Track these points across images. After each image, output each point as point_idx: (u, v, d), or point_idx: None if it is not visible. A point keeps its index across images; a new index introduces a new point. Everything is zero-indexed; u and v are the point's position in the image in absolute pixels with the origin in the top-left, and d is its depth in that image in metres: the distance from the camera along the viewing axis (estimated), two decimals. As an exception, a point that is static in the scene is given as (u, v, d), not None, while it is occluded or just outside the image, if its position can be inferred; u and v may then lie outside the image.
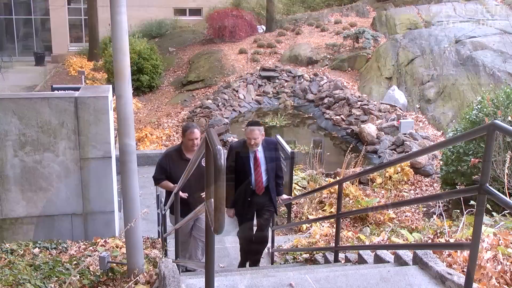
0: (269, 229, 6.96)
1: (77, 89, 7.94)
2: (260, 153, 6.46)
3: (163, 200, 7.71)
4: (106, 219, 6.82)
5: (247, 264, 6.78)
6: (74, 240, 6.36)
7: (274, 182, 6.67)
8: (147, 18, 29.88)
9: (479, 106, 8.98)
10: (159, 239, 7.13)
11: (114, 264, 4.72)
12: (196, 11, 32.20)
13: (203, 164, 5.38)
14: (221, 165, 2.30)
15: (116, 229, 6.98)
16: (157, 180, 6.45)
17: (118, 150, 4.32)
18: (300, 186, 10.80)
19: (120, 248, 5.71)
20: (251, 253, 6.76)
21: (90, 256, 5.32)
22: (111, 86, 7.17)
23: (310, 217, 9.25)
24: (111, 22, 4.02)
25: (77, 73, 23.26)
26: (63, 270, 4.77)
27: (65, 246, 5.88)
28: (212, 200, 2.41)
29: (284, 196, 6.91)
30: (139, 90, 21.91)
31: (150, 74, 22.34)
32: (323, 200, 9.81)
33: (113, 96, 6.80)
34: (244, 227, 6.65)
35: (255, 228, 6.77)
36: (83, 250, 5.75)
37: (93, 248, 5.84)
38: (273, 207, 6.65)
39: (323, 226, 8.10)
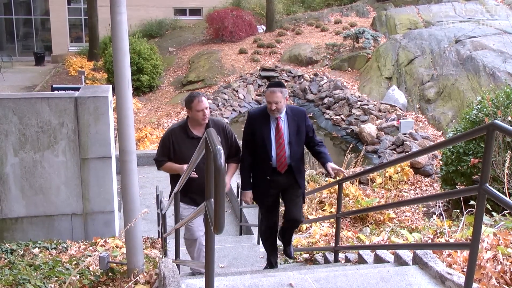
0: (302, 212, 5.67)
1: (77, 89, 7.95)
2: (284, 123, 5.37)
3: (163, 200, 7.71)
4: (106, 219, 6.82)
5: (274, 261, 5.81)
6: (74, 240, 6.38)
7: (314, 153, 5.53)
8: (147, 18, 29.90)
9: (479, 106, 8.98)
10: (159, 239, 7.13)
11: (114, 264, 4.72)
12: (196, 11, 32.21)
13: None
14: (221, 165, 2.30)
15: (116, 229, 6.98)
16: (159, 163, 5.52)
17: (118, 150, 4.32)
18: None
19: (120, 248, 5.72)
20: (285, 241, 5.77)
21: (90, 256, 5.33)
22: (111, 86, 7.17)
23: (310, 217, 9.25)
24: (111, 22, 4.02)
25: (77, 73, 23.27)
26: (63, 270, 4.77)
27: (65, 246, 5.88)
28: (212, 200, 2.41)
29: (332, 164, 5.30)
30: (139, 90, 21.92)
31: (150, 74, 22.35)
32: (323, 200, 9.81)
33: (113, 96, 6.81)
34: (267, 215, 5.61)
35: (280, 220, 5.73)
36: (83, 250, 5.75)
37: (93, 248, 5.84)
38: (300, 187, 5.45)
39: (323, 226, 8.10)
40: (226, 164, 5.47)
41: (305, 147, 5.58)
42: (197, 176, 5.13)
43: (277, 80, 5.55)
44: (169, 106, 21.09)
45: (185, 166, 4.87)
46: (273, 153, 5.32)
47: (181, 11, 32.07)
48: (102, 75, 23.49)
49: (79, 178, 6.60)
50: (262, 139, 5.32)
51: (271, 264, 5.83)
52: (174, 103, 21.36)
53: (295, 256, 6.85)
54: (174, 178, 5.40)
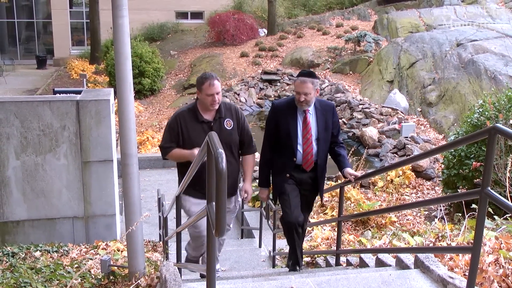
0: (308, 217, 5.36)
1: (78, 92, 7.95)
2: (312, 117, 4.96)
3: (164, 203, 7.72)
4: (107, 222, 6.82)
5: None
6: (75, 243, 6.37)
7: (333, 154, 5.16)
8: (149, 21, 29.97)
9: (481, 110, 8.97)
10: (161, 242, 7.13)
11: (115, 268, 4.72)
12: (197, 15, 32.28)
13: (226, 126, 4.93)
14: (222, 168, 2.30)
15: (117, 232, 6.98)
16: (166, 150, 5.01)
17: (120, 153, 4.32)
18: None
19: (122, 251, 5.71)
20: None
21: (91, 259, 5.33)
22: (112, 89, 7.18)
23: (312, 220, 9.24)
24: (113, 25, 4.03)
25: (79, 77, 23.31)
26: (64, 273, 4.77)
27: (66, 249, 5.88)
28: (214, 203, 2.41)
29: (350, 170, 4.97)
30: (140, 93, 21.95)
31: (152, 77, 22.38)
32: (324, 203, 9.81)
33: (114, 100, 6.81)
34: (289, 211, 4.98)
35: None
36: (84, 253, 5.75)
37: (94, 251, 5.84)
38: (317, 188, 5.13)
39: (324, 230, 8.09)
40: (242, 159, 5.22)
41: None
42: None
43: (307, 70, 4.97)
44: (170, 110, 21.11)
45: (196, 151, 4.48)
46: (299, 149, 4.92)
47: (182, 15, 32.16)
48: (104, 78, 23.53)
49: (81, 181, 6.60)
50: (287, 133, 4.90)
51: (295, 263, 5.24)
52: (176, 106, 21.37)
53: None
54: (182, 169, 4.92)
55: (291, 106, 4.94)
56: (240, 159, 5.22)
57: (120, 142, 4.26)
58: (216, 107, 4.86)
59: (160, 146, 5.09)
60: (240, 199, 5.33)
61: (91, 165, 6.59)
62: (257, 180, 5.47)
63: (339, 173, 5.41)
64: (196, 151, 4.42)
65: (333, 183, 10.88)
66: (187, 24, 31.63)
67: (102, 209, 6.76)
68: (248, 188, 5.15)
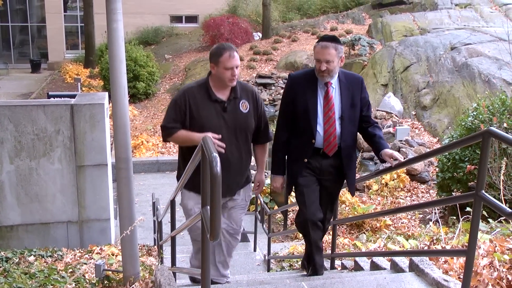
0: (332, 213, 4.58)
1: (73, 96, 7.94)
2: (335, 91, 4.21)
3: (159, 207, 7.70)
4: (101, 226, 6.80)
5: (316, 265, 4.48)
6: (69, 248, 6.35)
7: (367, 135, 4.33)
8: (143, 25, 29.96)
9: (475, 113, 9.01)
10: (155, 247, 7.11)
11: (110, 272, 4.71)
12: (192, 18, 32.29)
13: (242, 109, 4.24)
14: (216, 172, 2.30)
15: (111, 237, 6.96)
16: (169, 131, 4.20)
17: (114, 157, 4.31)
18: (297, 193, 10.78)
19: (116, 255, 5.70)
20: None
21: (85, 264, 5.31)
22: (107, 93, 7.17)
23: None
24: (107, 29, 4.02)
25: (73, 80, 23.25)
26: (59, 278, 4.75)
27: (61, 254, 5.86)
28: (208, 207, 2.41)
29: (389, 151, 4.07)
30: (135, 97, 21.93)
31: (146, 81, 22.36)
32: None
33: (109, 103, 6.80)
34: (303, 208, 4.29)
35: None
36: (78, 258, 5.73)
37: (88, 256, 5.82)
38: (342, 178, 4.35)
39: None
40: (254, 148, 4.58)
41: None
42: (223, 150, 3.99)
43: (329, 34, 4.24)
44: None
45: (209, 135, 3.73)
46: (319, 130, 4.17)
47: (177, 19, 32.16)
48: (98, 82, 23.49)
49: (75, 185, 6.59)
50: (305, 109, 4.17)
51: (314, 267, 4.46)
52: (171, 110, 21.33)
53: (291, 263, 6.84)
54: (186, 155, 4.15)
55: (310, 78, 4.21)
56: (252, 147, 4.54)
57: (114, 146, 4.25)
58: (235, 83, 4.19)
59: (163, 125, 4.26)
60: (250, 193, 4.61)
61: (85, 169, 6.58)
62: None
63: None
64: (209, 135, 3.68)
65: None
66: (181, 28, 31.64)
67: (96, 213, 6.74)
68: (262, 179, 4.61)
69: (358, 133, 4.36)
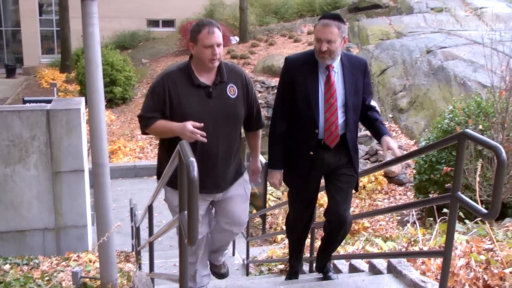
0: (350, 207, 4.06)
1: (49, 101, 7.86)
2: (337, 76, 3.82)
3: (136, 213, 7.64)
4: (79, 233, 6.74)
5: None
6: (46, 256, 6.27)
7: (366, 121, 4.00)
8: (120, 29, 29.76)
9: (451, 115, 9.10)
10: (133, 253, 7.06)
11: (87, 279, 4.66)
12: (169, 23, 32.18)
13: (230, 93, 3.75)
14: (193, 177, 2.28)
15: (89, 243, 6.89)
16: (147, 121, 3.75)
17: (91, 163, 4.27)
18: (275, 197, 10.80)
19: (94, 262, 5.65)
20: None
21: (62, 271, 5.25)
22: (83, 98, 7.11)
23: (285, 228, 9.25)
24: (83, 33, 3.99)
25: (49, 85, 23.02)
26: (35, 287, 4.69)
27: (37, 262, 5.79)
28: (186, 212, 2.39)
29: (390, 142, 3.77)
30: (112, 102, 21.76)
31: (123, 86, 22.21)
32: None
33: (85, 109, 6.74)
34: (298, 207, 4.13)
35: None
36: (55, 266, 5.67)
37: (65, 263, 5.76)
38: (354, 170, 3.94)
39: (298, 237, 8.09)
40: (246, 134, 4.21)
41: None
42: (206, 139, 3.53)
43: (331, 12, 4.02)
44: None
45: (189, 124, 3.48)
46: (320, 118, 3.79)
47: (154, 23, 32.03)
48: (75, 87, 23.27)
49: (52, 192, 6.51)
50: (305, 96, 3.80)
51: (293, 272, 4.46)
52: (148, 115, 21.22)
53: (270, 267, 6.83)
54: (168, 149, 3.77)
55: (309, 61, 3.83)
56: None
57: (91, 152, 4.22)
58: (216, 64, 3.66)
59: (140, 115, 3.83)
60: (249, 185, 4.17)
61: (62, 176, 6.51)
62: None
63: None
64: (189, 125, 3.47)
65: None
66: (158, 32, 31.52)
67: (73, 220, 6.68)
68: (257, 166, 4.22)
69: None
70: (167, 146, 3.79)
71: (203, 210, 3.86)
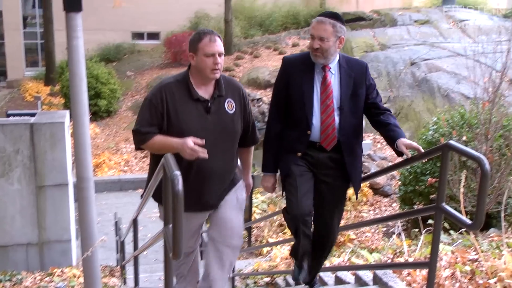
0: (339, 220, 3.96)
1: (33, 115, 7.80)
2: (334, 77, 3.74)
3: (121, 227, 7.59)
4: (63, 248, 6.66)
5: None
6: (29, 271, 6.20)
7: (379, 124, 3.79)
8: (105, 42, 29.69)
9: (435, 127, 9.17)
10: (118, 267, 7.00)
11: (72, 294, 4.61)
12: (154, 35, 32.17)
13: (228, 109, 3.62)
14: (178, 190, 2.27)
15: (73, 258, 6.82)
16: (144, 136, 3.53)
17: (75, 176, 4.24)
18: (260, 209, 10.78)
19: (78, 277, 5.59)
20: (316, 247, 3.92)
21: (46, 287, 5.18)
22: (68, 111, 7.06)
23: (271, 240, 9.23)
24: (68, 46, 3.96)
25: (33, 99, 22.87)
26: (18, 302, 4.63)
27: (20, 277, 5.72)
28: (171, 226, 2.38)
29: (406, 141, 3.54)
30: (96, 115, 21.67)
31: (108, 98, 22.13)
32: (283, 223, 9.80)
33: (70, 122, 6.70)
34: (293, 200, 3.73)
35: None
36: (38, 281, 5.60)
37: (49, 278, 5.70)
38: (348, 177, 3.80)
39: (283, 249, 8.08)
40: (239, 149, 3.92)
41: (364, 116, 3.91)
42: (207, 156, 3.34)
43: (328, 10, 3.94)
44: (127, 131, 20.87)
45: (190, 141, 3.30)
46: (314, 120, 3.70)
47: (139, 35, 32.01)
48: (59, 100, 23.14)
49: (35, 206, 6.44)
50: (299, 96, 3.71)
51: (299, 275, 4.03)
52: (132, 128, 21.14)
53: (255, 280, 6.80)
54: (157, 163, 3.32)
55: (306, 62, 3.75)
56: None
57: (75, 165, 4.18)
58: (218, 74, 3.52)
59: (135, 130, 3.58)
60: (243, 192, 3.94)
61: (46, 190, 6.44)
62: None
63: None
64: (189, 141, 3.29)
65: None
66: (143, 45, 31.48)
67: (57, 234, 6.60)
68: (249, 182, 4.12)
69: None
70: (157, 161, 3.40)
71: (196, 226, 3.77)
